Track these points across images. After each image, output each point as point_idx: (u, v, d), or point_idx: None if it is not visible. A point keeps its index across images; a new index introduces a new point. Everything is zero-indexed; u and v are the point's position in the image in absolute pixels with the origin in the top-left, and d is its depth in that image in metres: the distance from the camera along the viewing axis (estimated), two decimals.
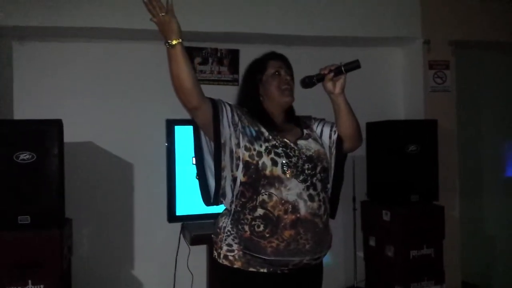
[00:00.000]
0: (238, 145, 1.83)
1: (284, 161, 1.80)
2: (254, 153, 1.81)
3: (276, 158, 1.80)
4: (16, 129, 2.92)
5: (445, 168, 3.80)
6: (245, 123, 1.87)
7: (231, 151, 1.84)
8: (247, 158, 1.81)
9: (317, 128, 2.06)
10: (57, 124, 2.96)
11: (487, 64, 4.52)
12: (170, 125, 3.24)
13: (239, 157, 1.83)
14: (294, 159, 1.83)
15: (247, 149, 1.82)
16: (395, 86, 4.26)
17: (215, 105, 1.83)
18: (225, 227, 1.88)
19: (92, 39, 3.58)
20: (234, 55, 3.88)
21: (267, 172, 1.79)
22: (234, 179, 1.86)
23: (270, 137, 1.86)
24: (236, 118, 1.86)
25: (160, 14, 1.74)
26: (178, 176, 3.23)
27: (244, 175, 1.82)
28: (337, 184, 2.02)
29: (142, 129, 3.65)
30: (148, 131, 3.63)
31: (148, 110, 3.68)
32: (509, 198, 4.49)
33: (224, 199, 1.90)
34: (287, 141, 1.88)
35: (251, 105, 1.97)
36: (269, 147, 1.82)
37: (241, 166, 1.82)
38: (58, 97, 3.54)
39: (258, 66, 2.03)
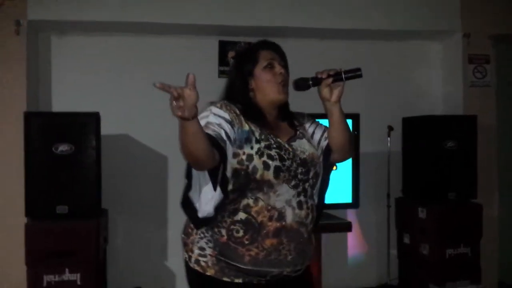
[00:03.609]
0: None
1: (277, 164, 1.62)
2: (244, 157, 1.61)
3: (268, 161, 1.61)
4: (55, 121, 3.01)
5: (484, 165, 3.69)
6: (235, 124, 1.65)
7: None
8: (236, 166, 1.61)
9: (309, 128, 1.86)
10: (95, 117, 3.02)
11: None
12: None
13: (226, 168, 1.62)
14: (287, 162, 1.65)
15: (235, 155, 1.62)
16: (433, 81, 4.15)
17: (221, 150, 1.55)
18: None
19: (130, 33, 3.63)
20: None
21: (257, 176, 1.60)
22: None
23: (263, 137, 1.66)
24: (232, 130, 1.62)
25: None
26: None
27: (232, 185, 1.63)
28: (321, 193, 1.82)
29: (177, 122, 3.66)
30: None
31: None
32: None
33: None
34: (281, 141, 1.70)
35: (241, 101, 1.75)
36: (262, 149, 1.63)
37: (229, 177, 1.63)
38: (95, 90, 3.61)
39: (249, 57, 1.79)
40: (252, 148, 1.62)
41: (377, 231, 3.98)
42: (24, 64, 3.28)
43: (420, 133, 3.68)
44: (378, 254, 3.98)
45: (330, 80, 1.66)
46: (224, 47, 3.82)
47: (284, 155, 1.65)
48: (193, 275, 1.69)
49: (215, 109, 1.66)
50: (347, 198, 3.37)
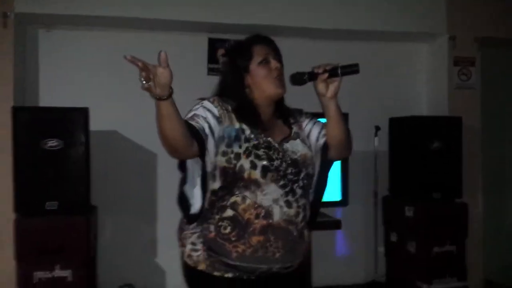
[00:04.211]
0: (216, 154, 1.63)
1: (264, 164, 1.61)
2: (232, 156, 1.61)
3: (255, 160, 1.61)
4: (43, 116, 2.97)
5: (469, 165, 3.76)
6: (225, 123, 1.65)
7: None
8: (224, 164, 1.61)
9: (306, 126, 1.84)
10: (84, 112, 2.98)
11: None
12: None
13: (215, 166, 1.63)
14: (276, 162, 1.64)
15: (224, 154, 1.62)
16: (419, 82, 4.23)
17: (201, 142, 1.57)
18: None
19: (119, 28, 3.60)
20: None
21: (245, 175, 1.60)
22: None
23: (252, 136, 1.65)
24: (217, 126, 1.63)
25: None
26: None
27: (221, 182, 1.63)
28: (319, 190, 1.82)
29: None
30: None
31: (174, 101, 3.67)
32: None
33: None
34: (271, 141, 1.68)
35: (236, 97, 1.73)
36: (250, 148, 1.62)
37: (217, 175, 1.63)
38: (83, 85, 3.56)
39: (243, 52, 1.75)
40: (240, 147, 1.62)
41: (365, 229, 4.02)
42: (12, 57, 3.22)
43: (406, 133, 3.74)
44: (365, 251, 4.03)
45: (326, 75, 1.64)
46: (213, 44, 3.82)
47: (272, 155, 1.64)
48: (186, 269, 1.71)
49: (206, 103, 1.67)
50: (336, 196, 3.40)
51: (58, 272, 2.75)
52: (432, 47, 4.16)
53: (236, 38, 3.65)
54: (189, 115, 1.64)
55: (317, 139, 1.79)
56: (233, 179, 1.61)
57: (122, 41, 3.63)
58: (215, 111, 1.65)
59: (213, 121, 1.62)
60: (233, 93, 1.74)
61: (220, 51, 3.83)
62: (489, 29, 3.99)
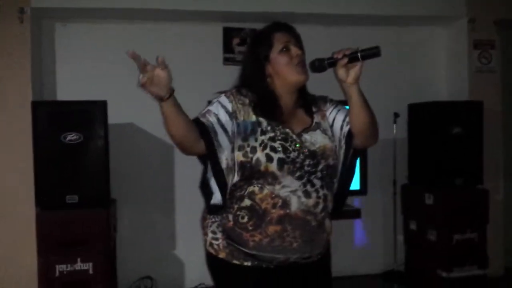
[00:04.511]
0: (232, 149, 1.64)
1: (280, 156, 1.60)
2: (248, 149, 1.61)
3: (271, 153, 1.60)
4: (63, 110, 2.99)
5: (490, 151, 3.70)
6: (240, 118, 1.65)
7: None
8: (241, 158, 1.62)
9: (330, 114, 1.78)
10: (103, 105, 3.00)
11: None
12: None
13: (234, 161, 1.64)
14: (293, 154, 1.62)
15: (241, 148, 1.63)
16: (438, 67, 4.15)
17: (208, 140, 1.60)
18: None
19: (134, 20, 3.60)
20: None
21: (262, 168, 1.60)
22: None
23: (269, 128, 1.64)
24: (229, 122, 1.64)
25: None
26: None
27: (239, 176, 1.64)
28: (345, 180, 1.78)
29: (184, 110, 3.63)
30: (190, 112, 3.60)
31: (190, 92, 3.66)
32: None
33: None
34: (289, 131, 1.66)
35: (257, 88, 1.71)
36: (265, 141, 1.62)
37: (236, 169, 1.64)
38: (99, 79, 3.57)
39: (263, 41, 1.72)
40: (256, 140, 1.62)
41: (384, 217, 3.99)
42: (29, 52, 3.24)
43: (426, 119, 3.69)
44: (384, 240, 4.01)
45: (346, 60, 1.56)
46: (228, 33, 3.79)
47: (289, 147, 1.63)
48: (209, 257, 1.74)
49: (222, 98, 1.68)
50: (355, 185, 3.37)
51: (80, 265, 2.79)
52: (451, 31, 4.07)
53: (251, 26, 3.69)
54: (204, 110, 1.67)
55: (341, 127, 1.73)
56: (250, 173, 1.62)
57: (138, 33, 3.63)
58: (229, 106, 1.65)
59: (225, 118, 1.63)
60: (254, 83, 1.72)
61: (236, 40, 3.80)
62: (509, 11, 3.89)
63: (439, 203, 3.49)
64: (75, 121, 2.92)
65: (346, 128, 1.71)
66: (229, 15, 3.62)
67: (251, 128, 1.64)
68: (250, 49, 1.80)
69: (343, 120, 1.73)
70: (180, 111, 1.53)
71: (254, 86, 1.72)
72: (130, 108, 3.56)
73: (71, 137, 2.88)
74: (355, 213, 3.17)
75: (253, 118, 1.66)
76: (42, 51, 3.51)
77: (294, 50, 1.70)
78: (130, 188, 3.59)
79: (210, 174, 1.70)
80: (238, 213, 1.64)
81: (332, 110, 1.78)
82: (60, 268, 2.78)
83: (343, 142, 1.73)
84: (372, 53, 1.56)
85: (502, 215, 3.92)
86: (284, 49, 1.69)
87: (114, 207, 3.21)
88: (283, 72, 1.70)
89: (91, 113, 2.97)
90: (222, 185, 1.67)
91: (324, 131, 1.74)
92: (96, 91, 3.37)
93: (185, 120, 1.54)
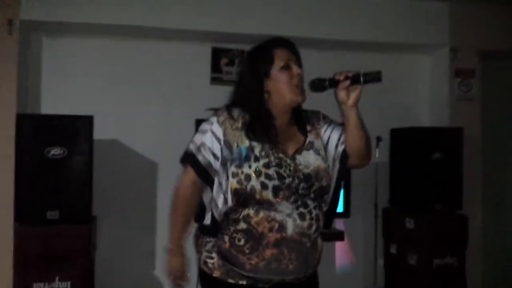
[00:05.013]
0: (226, 177, 1.64)
1: (275, 184, 1.59)
2: (242, 177, 1.60)
3: (266, 181, 1.59)
4: (48, 124, 2.95)
5: (469, 177, 3.77)
6: (234, 145, 1.64)
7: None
8: (236, 186, 1.61)
9: (325, 133, 1.77)
10: (89, 121, 2.97)
11: None
12: (199, 125, 3.21)
13: (227, 188, 1.64)
14: (288, 180, 1.62)
15: (234, 175, 1.61)
16: (421, 93, 4.24)
17: (210, 181, 1.69)
18: None
19: (122, 37, 3.59)
20: None
21: (257, 196, 1.59)
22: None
23: (263, 154, 1.63)
24: (223, 150, 1.65)
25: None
26: None
27: (234, 202, 1.64)
28: (335, 199, 1.80)
29: (169, 128, 3.64)
30: (175, 131, 3.61)
31: (177, 110, 3.67)
32: None
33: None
34: (283, 156, 1.65)
35: (253, 105, 1.68)
36: (259, 168, 1.60)
37: (229, 198, 1.63)
38: (84, 94, 3.55)
39: (263, 56, 1.70)
40: (250, 167, 1.61)
41: (365, 240, 4.01)
42: (16, 64, 3.21)
43: (407, 144, 3.75)
44: (365, 263, 4.02)
45: (348, 82, 1.61)
46: (217, 53, 3.82)
47: (283, 173, 1.62)
48: (202, 276, 1.74)
49: (215, 126, 1.66)
50: (339, 208, 3.39)
51: (58, 283, 2.73)
52: (434, 59, 4.18)
53: (240, 47, 3.72)
54: (198, 141, 1.69)
55: (336, 146, 1.75)
56: (245, 199, 1.61)
57: (125, 50, 3.64)
58: (222, 136, 1.65)
59: (218, 149, 1.65)
60: (250, 98, 1.70)
61: (224, 61, 3.83)
62: (490, 41, 4.01)
63: (420, 227, 3.53)
64: (60, 135, 2.89)
65: (341, 148, 1.74)
66: (218, 36, 3.66)
67: (245, 155, 1.62)
68: (249, 63, 1.76)
69: (338, 139, 1.75)
70: (183, 243, 1.80)
71: (250, 101, 1.69)
72: (115, 125, 3.55)
73: (55, 151, 2.85)
74: (339, 236, 3.18)
75: (246, 143, 1.64)
76: (28, 64, 3.47)
77: (295, 69, 1.69)
78: (111, 205, 3.53)
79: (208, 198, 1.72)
80: (234, 235, 1.63)
81: (326, 128, 1.79)
82: (37, 286, 2.71)
83: (337, 161, 1.75)
84: (374, 77, 1.61)
85: (481, 241, 3.97)
86: (285, 67, 1.68)
87: (94, 224, 3.16)
88: (282, 90, 1.68)
89: (76, 128, 2.95)
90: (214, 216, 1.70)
91: (317, 151, 1.73)
92: (81, 106, 3.33)
93: (188, 223, 1.79)
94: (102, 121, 3.31)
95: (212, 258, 1.68)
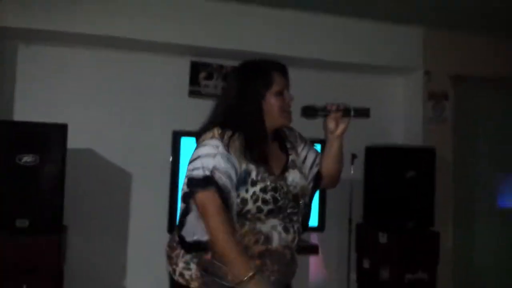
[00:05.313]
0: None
1: (270, 208, 1.63)
2: (238, 200, 1.61)
3: (262, 206, 1.62)
4: (20, 131, 2.88)
5: (441, 195, 3.85)
6: (238, 167, 1.63)
7: None
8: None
9: (302, 151, 1.87)
10: (63, 129, 2.92)
11: (485, 97, 4.59)
12: (177, 136, 3.21)
13: None
14: (281, 202, 1.66)
15: None
16: (396, 112, 4.33)
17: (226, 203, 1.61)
18: None
19: (99, 47, 3.57)
20: None
21: (249, 216, 1.63)
22: None
23: (259, 178, 1.64)
24: (237, 171, 1.63)
25: None
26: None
27: None
28: (306, 215, 1.84)
29: (145, 139, 3.62)
30: (151, 141, 3.60)
31: (154, 122, 3.65)
32: (502, 227, 4.55)
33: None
34: (277, 179, 1.69)
35: (253, 127, 1.69)
36: (257, 193, 1.62)
37: None
38: (59, 102, 3.50)
39: (262, 78, 1.71)
40: (247, 191, 1.63)
41: (338, 254, 4.02)
42: None
43: (381, 162, 3.82)
44: (338, 278, 4.02)
45: (340, 114, 1.76)
46: (196, 67, 3.83)
47: (278, 197, 1.66)
48: (177, 287, 1.70)
49: (221, 149, 1.62)
50: (314, 222, 3.41)
51: None
52: (408, 81, 4.29)
53: (219, 63, 3.75)
54: (209, 164, 1.58)
55: (311, 167, 1.87)
56: (236, 216, 1.63)
57: (102, 60, 3.61)
58: (235, 161, 1.62)
59: (233, 174, 1.60)
60: (250, 120, 1.69)
61: (202, 74, 3.84)
62: (462, 67, 4.15)
63: (392, 243, 3.57)
64: (33, 143, 2.82)
65: (315, 170, 1.87)
66: (198, 50, 3.67)
67: (243, 177, 1.64)
68: (244, 82, 1.74)
69: (313, 161, 1.87)
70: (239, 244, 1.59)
71: (250, 123, 1.69)
72: (89, 134, 3.50)
73: (27, 159, 2.79)
74: (313, 249, 3.19)
75: (243, 165, 1.65)
76: (3, 71, 3.41)
77: (288, 96, 1.77)
78: (83, 215, 3.45)
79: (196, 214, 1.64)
80: None
81: (303, 148, 1.89)
82: None
83: (311, 182, 1.86)
84: (363, 113, 1.79)
85: (451, 258, 4.03)
86: (279, 93, 1.73)
87: (65, 234, 3.09)
88: (275, 114, 1.73)
89: (49, 136, 2.89)
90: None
91: (300, 170, 1.81)
92: (55, 115, 3.26)
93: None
94: (77, 130, 3.25)
95: (189, 269, 1.67)
